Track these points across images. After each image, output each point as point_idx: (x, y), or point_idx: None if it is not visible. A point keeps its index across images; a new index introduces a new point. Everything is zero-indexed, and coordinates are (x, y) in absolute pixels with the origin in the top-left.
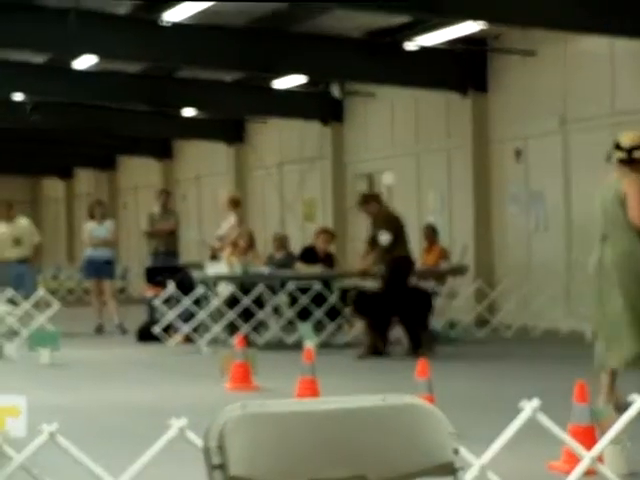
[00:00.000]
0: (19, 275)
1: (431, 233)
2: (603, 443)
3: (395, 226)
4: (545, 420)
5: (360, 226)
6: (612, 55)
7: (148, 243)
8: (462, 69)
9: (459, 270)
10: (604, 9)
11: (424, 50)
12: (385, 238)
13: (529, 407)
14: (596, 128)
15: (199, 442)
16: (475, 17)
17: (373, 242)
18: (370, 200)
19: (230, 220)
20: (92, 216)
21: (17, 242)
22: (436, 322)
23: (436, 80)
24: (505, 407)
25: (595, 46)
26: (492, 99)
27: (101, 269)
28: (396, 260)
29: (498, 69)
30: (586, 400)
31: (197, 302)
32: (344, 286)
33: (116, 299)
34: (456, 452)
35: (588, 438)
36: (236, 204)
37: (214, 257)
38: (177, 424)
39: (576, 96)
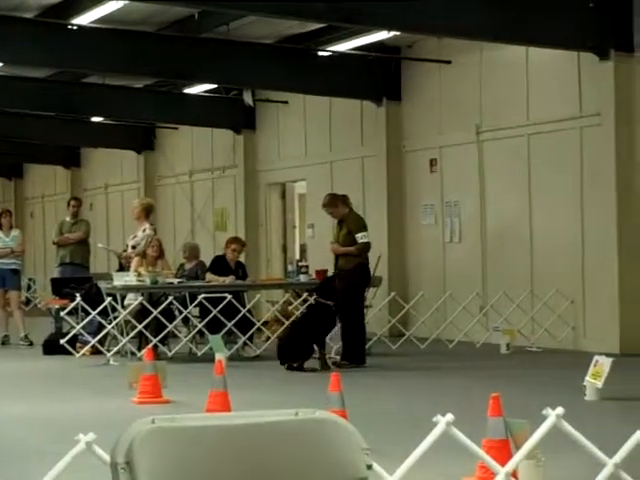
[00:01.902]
0: None
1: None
2: (518, 458)
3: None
4: (459, 435)
5: (273, 235)
6: (527, 64)
7: (56, 253)
8: (376, 77)
9: (373, 282)
10: (519, 18)
11: (338, 58)
12: (366, 238)
13: (443, 421)
14: (511, 138)
15: (107, 457)
16: (390, 26)
17: (346, 244)
18: (342, 200)
19: (145, 228)
20: None
21: None
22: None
23: (350, 88)
24: (419, 421)
25: (510, 55)
26: (406, 108)
27: (7, 279)
28: (361, 266)
29: (412, 78)
30: (500, 413)
31: (105, 313)
32: None
33: (22, 310)
34: (369, 468)
35: (503, 453)
36: (150, 212)
37: (122, 267)
38: (84, 439)
39: (491, 105)
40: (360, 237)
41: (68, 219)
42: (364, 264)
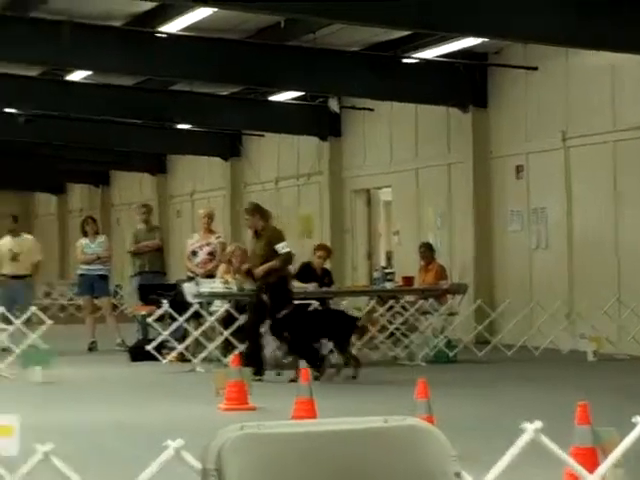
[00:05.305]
0: (14, 292)
1: (427, 252)
2: (605, 466)
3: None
4: (547, 442)
5: (358, 242)
6: (614, 69)
7: (132, 262)
8: (463, 84)
9: (459, 289)
10: (605, 24)
11: (424, 64)
12: (287, 248)
13: (531, 429)
14: (598, 144)
15: (195, 463)
16: (477, 33)
17: (266, 255)
18: (261, 213)
19: (219, 235)
20: (84, 232)
21: (14, 258)
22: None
23: (436, 95)
24: (506, 429)
25: (597, 61)
26: (493, 114)
27: (95, 286)
28: (285, 280)
29: (499, 84)
30: (588, 421)
31: (191, 320)
32: None
33: (114, 316)
34: (458, 475)
35: (590, 460)
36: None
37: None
38: (173, 445)
39: (578, 111)
40: (281, 247)
41: (141, 227)
42: (286, 277)
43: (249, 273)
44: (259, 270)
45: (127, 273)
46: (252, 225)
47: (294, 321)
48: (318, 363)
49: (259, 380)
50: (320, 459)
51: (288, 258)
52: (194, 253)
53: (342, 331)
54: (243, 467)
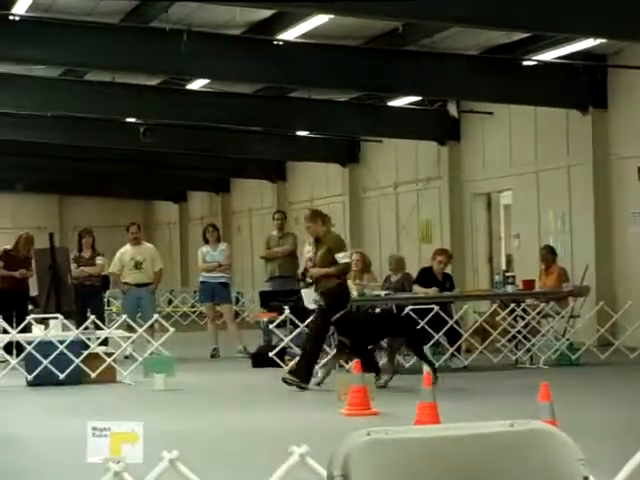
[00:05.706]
0: (137, 300)
1: (548, 254)
2: None
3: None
4: None
5: (479, 245)
6: None
7: (265, 267)
8: (582, 86)
9: (580, 291)
10: None
11: (542, 67)
12: (347, 259)
13: None
14: None
15: (321, 470)
16: (596, 34)
17: (325, 262)
18: (323, 219)
19: None
20: (206, 240)
21: (137, 266)
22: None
23: (555, 97)
24: (631, 432)
25: None
26: (613, 116)
27: (216, 293)
28: (342, 287)
29: (619, 85)
30: None
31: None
32: None
33: (236, 323)
34: (586, 479)
35: None
36: None
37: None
38: (298, 451)
39: None
40: (341, 257)
41: (275, 233)
42: (344, 284)
43: (304, 274)
44: (314, 271)
45: (248, 280)
46: (313, 232)
47: (350, 325)
48: (376, 369)
49: (304, 389)
50: (448, 464)
51: (345, 269)
52: (312, 260)
53: (400, 335)
54: (370, 473)
